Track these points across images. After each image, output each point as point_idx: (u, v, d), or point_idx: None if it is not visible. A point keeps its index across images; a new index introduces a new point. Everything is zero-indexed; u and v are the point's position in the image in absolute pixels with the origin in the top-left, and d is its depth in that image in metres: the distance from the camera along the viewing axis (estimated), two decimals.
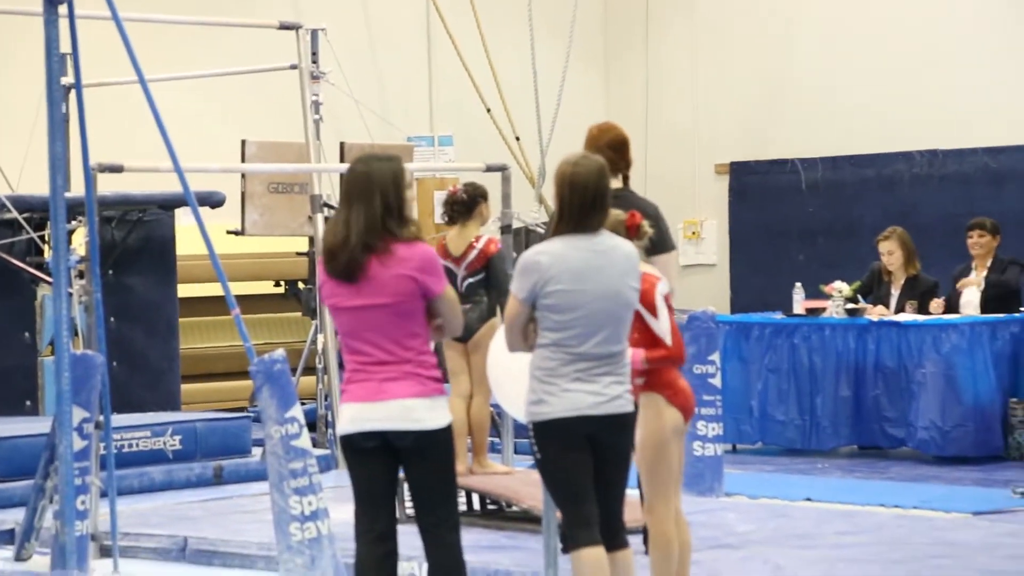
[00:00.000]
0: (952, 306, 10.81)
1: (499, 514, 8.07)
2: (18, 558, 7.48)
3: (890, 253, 10.90)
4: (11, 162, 10.82)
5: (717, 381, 9.04)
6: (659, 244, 6.56)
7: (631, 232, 5.64)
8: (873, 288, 10.99)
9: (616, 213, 5.64)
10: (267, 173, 10.94)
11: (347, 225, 5.00)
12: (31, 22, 11.37)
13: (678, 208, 15.59)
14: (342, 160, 11.24)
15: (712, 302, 12.19)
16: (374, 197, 5.01)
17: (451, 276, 8.21)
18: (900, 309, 10.78)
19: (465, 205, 8.42)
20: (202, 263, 11.03)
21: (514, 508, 7.96)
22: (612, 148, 6.98)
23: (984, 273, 10.86)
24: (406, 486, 5.13)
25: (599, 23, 16.21)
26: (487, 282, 8.43)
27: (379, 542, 5.07)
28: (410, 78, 14.96)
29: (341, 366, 10.00)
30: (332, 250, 5.03)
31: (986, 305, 10.69)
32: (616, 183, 7.00)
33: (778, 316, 11.17)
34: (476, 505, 8.18)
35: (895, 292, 10.92)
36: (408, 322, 5.04)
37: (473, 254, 8.43)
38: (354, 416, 5.06)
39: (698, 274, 15.59)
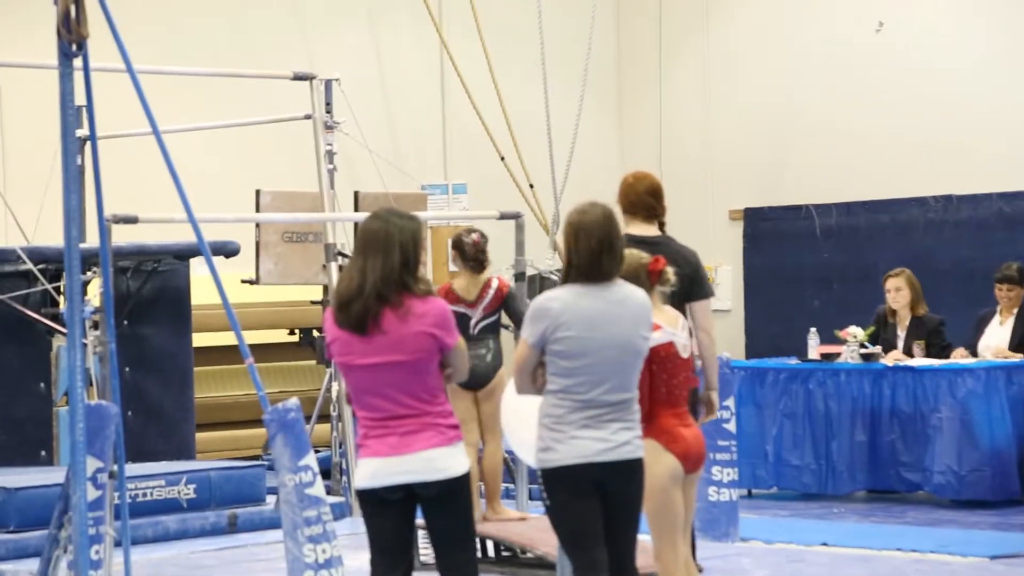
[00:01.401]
0: (972, 351, 10.81)
1: (513, 560, 8.06)
2: None
3: (897, 290, 10.89)
4: (27, 214, 10.88)
5: (732, 426, 9.04)
6: (697, 290, 6.66)
7: (652, 277, 5.64)
8: (879, 336, 10.99)
9: (638, 256, 5.67)
10: (281, 223, 10.98)
11: (362, 275, 4.98)
12: (46, 75, 11.48)
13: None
14: (356, 209, 11.29)
15: (727, 348, 12.18)
16: (393, 251, 5.00)
17: (463, 320, 8.23)
18: (908, 349, 10.77)
19: (486, 252, 8.55)
20: (217, 312, 11.09)
21: (528, 555, 7.95)
22: (650, 195, 7.06)
23: (1011, 319, 10.85)
24: (421, 533, 5.16)
25: (612, 71, 16.27)
26: (498, 323, 8.54)
27: None
28: (424, 127, 15.03)
29: (355, 416, 10.06)
30: (345, 300, 5.01)
31: (1017, 350, 10.69)
32: (653, 229, 7.05)
33: (793, 361, 11.16)
34: (491, 552, 8.18)
35: (901, 333, 10.92)
36: (426, 376, 5.06)
37: (490, 295, 8.55)
38: (377, 471, 5.06)
39: (713, 319, 15.57)
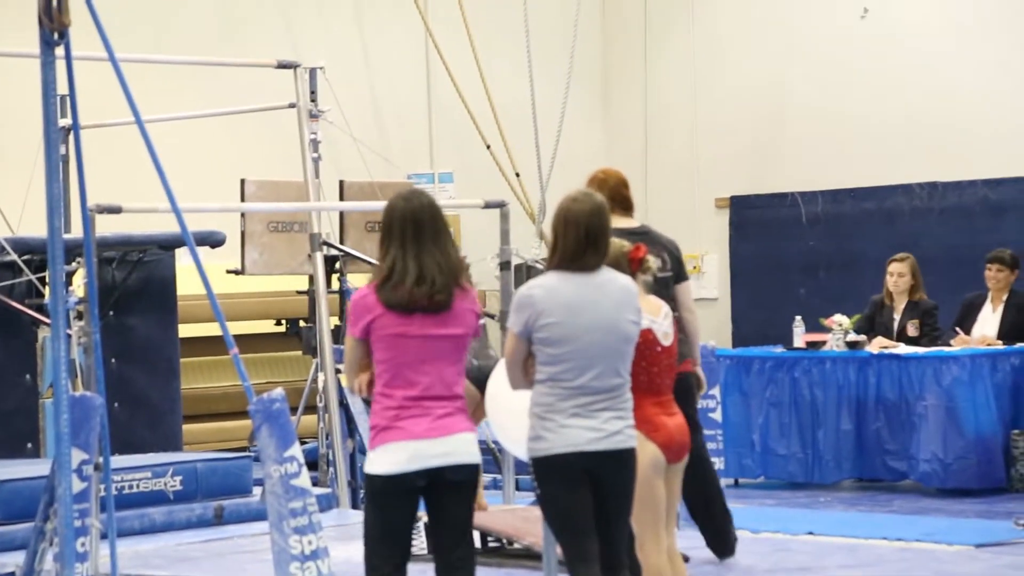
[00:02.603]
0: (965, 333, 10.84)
1: (500, 551, 8.05)
2: None
3: (900, 275, 10.91)
4: (11, 204, 10.83)
5: (718, 415, 9.06)
6: (682, 273, 7.52)
7: (633, 265, 5.64)
8: (875, 321, 11.00)
9: (619, 244, 5.67)
10: (267, 212, 10.94)
11: (436, 256, 5.06)
12: (29, 64, 11.42)
13: (679, 242, 15.57)
14: (341, 198, 11.25)
15: (713, 336, 12.19)
16: (446, 236, 5.14)
17: None
18: (902, 330, 10.79)
19: None
20: (203, 303, 10.99)
21: (515, 545, 7.94)
22: (623, 187, 7.30)
23: (1000, 307, 10.87)
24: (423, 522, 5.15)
25: (598, 58, 16.26)
26: None
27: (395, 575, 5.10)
28: (409, 115, 15.00)
29: (341, 404, 10.04)
30: (430, 293, 5.04)
31: (1005, 339, 10.70)
32: (633, 221, 7.21)
33: (779, 350, 11.18)
34: (476, 543, 8.16)
35: (897, 316, 10.94)
36: (462, 357, 5.17)
37: None
38: (414, 454, 5.05)
39: (699, 308, 15.47)
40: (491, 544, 8.12)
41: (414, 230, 5.08)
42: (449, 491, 5.11)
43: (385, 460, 5.07)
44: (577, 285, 5.28)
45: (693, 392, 7.39)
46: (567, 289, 5.28)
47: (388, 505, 5.09)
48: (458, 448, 5.08)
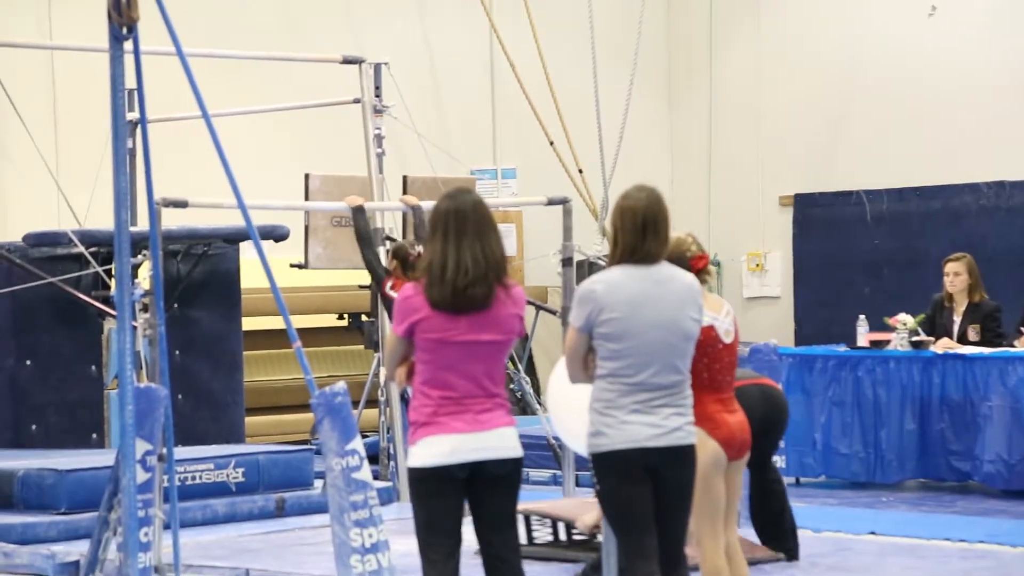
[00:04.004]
0: None
1: (552, 544, 8.03)
2: None
3: (956, 275, 10.79)
4: (79, 197, 10.94)
5: None
6: None
7: (694, 271, 5.65)
8: (935, 323, 10.90)
9: (687, 245, 5.69)
10: (330, 210, 10.98)
11: (478, 255, 5.07)
12: (96, 59, 11.52)
13: (741, 240, 15.56)
14: (405, 194, 11.28)
15: (776, 334, 12.13)
16: (493, 231, 5.15)
17: None
18: (963, 334, 10.69)
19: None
20: (267, 296, 11.03)
21: (567, 539, 7.91)
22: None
23: None
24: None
25: (663, 55, 16.21)
26: None
27: (453, 571, 5.12)
28: (473, 111, 15.01)
29: (403, 400, 10.06)
30: (467, 282, 5.06)
31: None
32: None
33: (842, 349, 11.10)
34: (523, 538, 8.14)
35: (957, 319, 10.84)
36: (503, 360, 5.20)
37: None
38: (456, 447, 5.08)
39: (762, 306, 15.52)
40: (536, 540, 8.05)
41: (457, 227, 5.12)
42: (491, 485, 5.13)
43: (426, 453, 5.11)
44: (639, 281, 5.27)
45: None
46: (629, 285, 5.27)
47: (433, 497, 5.12)
48: (499, 442, 5.11)
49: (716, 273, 15.24)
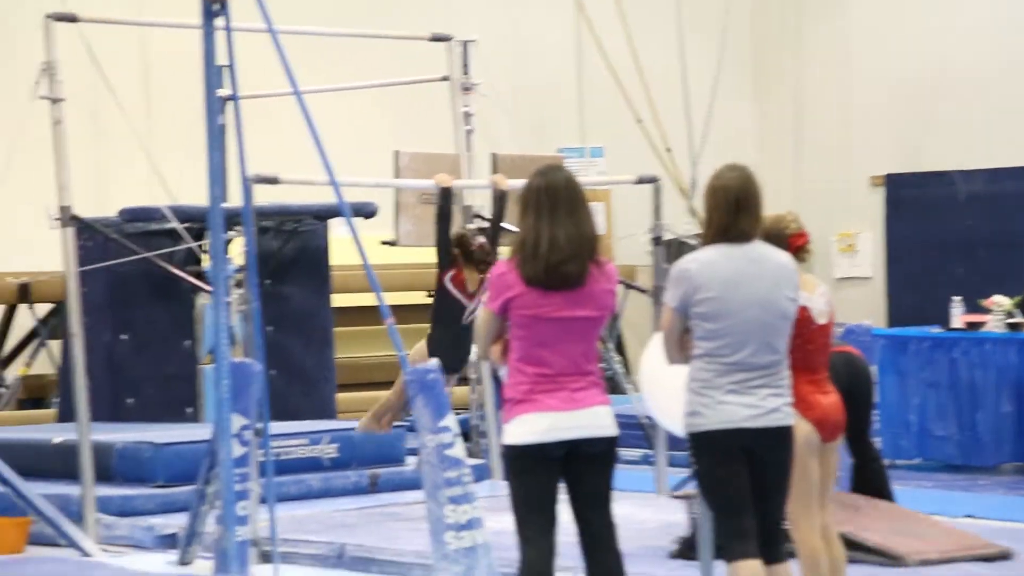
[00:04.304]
0: None
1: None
2: (182, 562, 7.62)
3: None
4: (172, 172, 11.00)
5: (875, 396, 8.89)
6: None
7: (790, 251, 5.61)
8: None
9: (785, 223, 5.65)
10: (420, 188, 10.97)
11: (571, 232, 5.07)
12: (185, 36, 11.58)
13: (832, 220, 15.40)
14: (494, 171, 11.25)
15: (867, 315, 12.02)
16: (586, 207, 5.15)
17: (459, 308, 8.45)
18: None
19: (491, 256, 8.70)
20: (356, 273, 11.11)
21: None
22: None
23: None
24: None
25: (749, 32, 16.07)
26: None
27: (549, 548, 5.10)
28: (560, 89, 14.96)
29: (495, 377, 10.05)
30: (560, 259, 5.06)
31: None
32: None
33: (936, 330, 10.98)
34: None
35: None
36: (596, 336, 5.19)
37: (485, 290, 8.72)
38: (552, 425, 5.07)
39: (853, 287, 15.37)
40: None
41: (550, 204, 5.11)
42: (587, 463, 5.12)
43: (522, 430, 5.09)
44: (734, 260, 5.23)
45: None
46: (725, 264, 5.23)
47: (529, 474, 5.10)
48: (594, 421, 5.10)
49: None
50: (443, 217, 8.62)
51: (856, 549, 6.95)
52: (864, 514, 7.50)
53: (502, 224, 8.93)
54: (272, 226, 10.72)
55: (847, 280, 15.50)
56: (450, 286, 8.39)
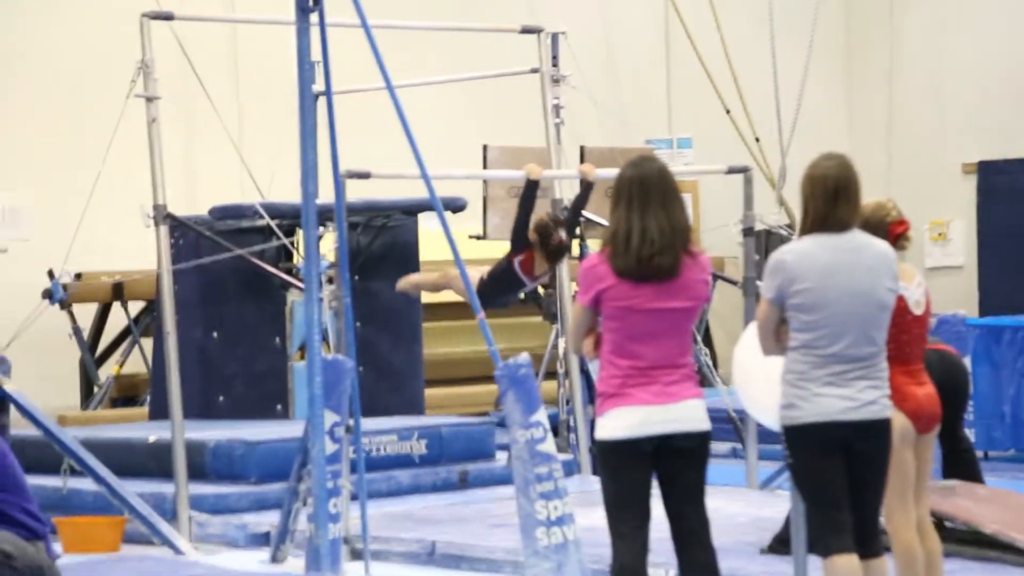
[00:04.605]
0: None
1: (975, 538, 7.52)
2: (274, 560, 7.65)
3: None
4: (260, 169, 11.06)
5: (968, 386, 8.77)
6: None
7: (891, 238, 5.54)
8: None
9: (887, 210, 5.58)
10: (511, 179, 10.96)
11: (663, 223, 5.04)
12: (274, 32, 11.63)
13: (923, 209, 15.22)
14: (583, 163, 11.21)
15: (959, 305, 11.86)
16: (678, 198, 5.11)
17: (518, 284, 8.49)
18: None
19: (565, 254, 8.78)
20: (444, 268, 11.15)
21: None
22: None
23: None
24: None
25: (841, 20, 15.92)
26: None
27: (643, 544, 5.08)
28: (648, 80, 14.89)
29: (583, 372, 10.02)
30: (653, 251, 5.03)
31: None
32: None
33: None
34: None
35: None
36: (691, 327, 5.15)
37: (547, 276, 8.90)
38: (646, 419, 5.04)
39: (945, 276, 15.20)
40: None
41: (641, 195, 5.07)
42: (679, 458, 5.08)
43: (615, 425, 5.06)
44: (832, 250, 5.17)
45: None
46: (821, 254, 5.17)
47: (622, 470, 5.07)
48: (687, 415, 5.06)
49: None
50: (525, 205, 8.61)
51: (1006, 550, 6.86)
52: (985, 505, 7.34)
53: (582, 213, 8.91)
54: (361, 222, 10.73)
55: (939, 269, 15.33)
56: (517, 268, 8.40)
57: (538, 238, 8.54)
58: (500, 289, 8.42)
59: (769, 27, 13.36)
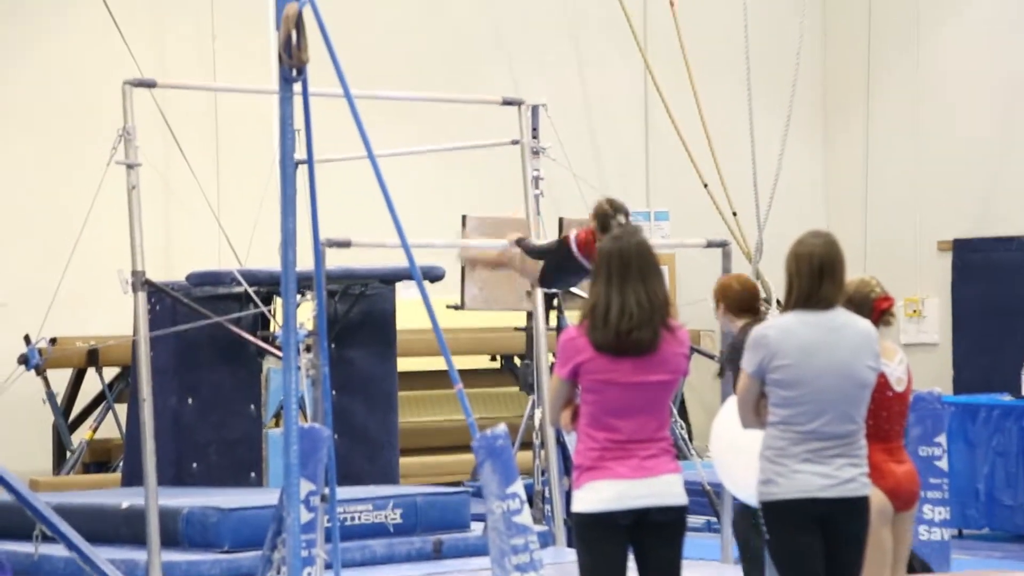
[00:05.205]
0: None
1: None
2: None
3: None
4: (238, 236, 11.07)
5: (943, 464, 8.77)
6: None
7: (875, 315, 5.58)
8: None
9: (871, 287, 5.57)
10: (489, 249, 10.96)
11: (642, 298, 5.03)
12: (253, 100, 11.67)
13: (898, 285, 15.27)
14: (560, 235, 11.23)
15: (934, 382, 11.89)
16: (658, 271, 5.12)
17: (577, 269, 8.67)
18: None
19: None
20: (421, 337, 11.14)
21: None
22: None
23: None
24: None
25: (818, 97, 16.05)
26: None
27: None
28: (627, 153, 14.98)
29: (559, 443, 10.00)
30: (631, 325, 5.02)
31: None
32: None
33: (1006, 398, 10.86)
34: None
35: None
36: (669, 401, 5.14)
37: None
38: (622, 493, 5.04)
39: (919, 353, 15.23)
40: None
41: (620, 268, 5.08)
42: (656, 532, 5.08)
43: (592, 498, 5.06)
44: (814, 328, 5.20)
45: None
46: (803, 331, 5.20)
47: (598, 543, 5.06)
48: (664, 489, 5.06)
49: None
50: (539, 251, 8.79)
51: None
52: None
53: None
54: (339, 289, 10.73)
55: (913, 346, 15.36)
56: (574, 246, 8.41)
57: (597, 223, 8.49)
58: (563, 272, 8.67)
59: (747, 103, 13.46)
